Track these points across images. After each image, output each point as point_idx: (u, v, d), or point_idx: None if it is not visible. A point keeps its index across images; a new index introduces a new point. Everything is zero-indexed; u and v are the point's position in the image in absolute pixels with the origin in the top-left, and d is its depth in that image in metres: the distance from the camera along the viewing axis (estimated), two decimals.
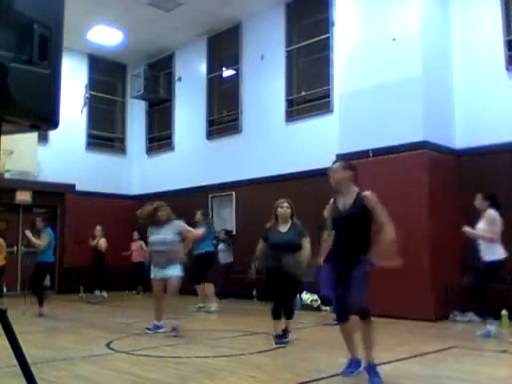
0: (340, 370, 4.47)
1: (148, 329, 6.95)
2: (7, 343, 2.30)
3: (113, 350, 5.83)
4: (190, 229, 9.19)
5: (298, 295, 9.79)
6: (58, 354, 5.54)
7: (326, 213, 4.61)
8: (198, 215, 9.80)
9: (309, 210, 10.24)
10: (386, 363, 4.90)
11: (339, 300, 4.43)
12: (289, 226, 6.12)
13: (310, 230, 9.15)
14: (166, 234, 6.89)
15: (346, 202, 4.37)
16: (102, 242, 11.47)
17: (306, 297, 9.62)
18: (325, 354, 5.51)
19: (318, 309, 9.34)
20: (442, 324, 7.78)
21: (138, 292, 13.12)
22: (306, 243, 6.08)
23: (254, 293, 11.05)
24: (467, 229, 6.74)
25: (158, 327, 6.96)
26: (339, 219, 4.41)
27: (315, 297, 9.50)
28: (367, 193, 4.35)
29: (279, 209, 6.13)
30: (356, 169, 4.68)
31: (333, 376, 4.47)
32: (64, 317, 8.40)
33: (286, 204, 6.16)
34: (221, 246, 11.05)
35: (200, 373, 4.72)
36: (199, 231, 9.40)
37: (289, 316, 6.24)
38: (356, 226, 4.28)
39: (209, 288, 9.52)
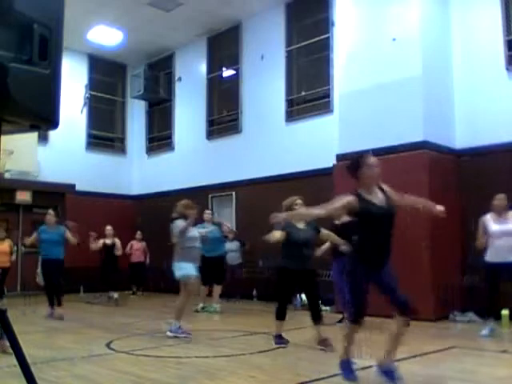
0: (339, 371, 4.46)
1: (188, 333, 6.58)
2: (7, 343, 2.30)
3: (113, 349, 5.83)
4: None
5: (298, 295, 9.82)
6: (57, 354, 5.54)
7: (345, 207, 4.25)
8: (209, 214, 9.66)
9: None
10: None
11: (365, 299, 4.29)
12: (304, 222, 5.99)
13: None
14: (195, 232, 6.86)
15: (379, 197, 4.22)
16: (119, 244, 11.24)
17: None
18: (325, 354, 5.51)
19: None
20: (442, 324, 7.78)
21: (134, 292, 12.87)
22: (326, 231, 6.21)
23: (254, 293, 11.05)
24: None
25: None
26: (379, 215, 4.16)
27: None
28: (386, 187, 4.32)
29: (295, 207, 5.98)
30: None
31: (333, 376, 4.47)
32: (64, 317, 8.37)
33: (300, 201, 6.06)
34: (229, 245, 10.76)
35: (200, 373, 4.72)
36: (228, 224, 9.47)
37: (318, 318, 5.88)
38: (394, 223, 4.20)
39: (218, 288, 9.49)
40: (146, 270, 12.78)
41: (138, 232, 12.85)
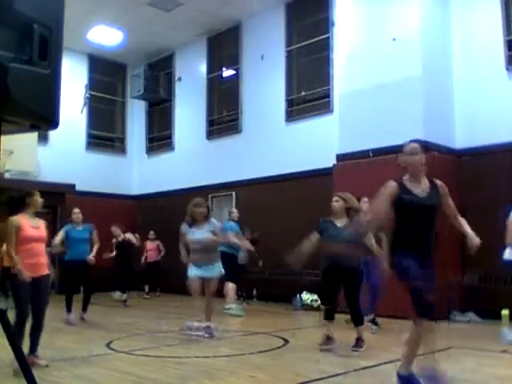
0: (341, 370, 4.46)
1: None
2: (7, 343, 2.30)
3: (113, 349, 5.83)
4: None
5: (298, 295, 9.83)
6: (58, 354, 5.53)
7: (386, 197, 3.96)
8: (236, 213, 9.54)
9: (309, 210, 10.25)
10: (386, 363, 4.91)
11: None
12: (345, 221, 5.63)
13: (309, 229, 9.10)
14: (197, 234, 6.66)
15: (423, 189, 4.01)
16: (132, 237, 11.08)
17: (306, 297, 9.63)
18: (325, 354, 5.51)
19: (318, 309, 9.34)
20: (442, 324, 7.77)
21: (147, 294, 12.31)
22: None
23: (254, 293, 11.06)
24: None
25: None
26: (418, 206, 3.96)
27: (315, 297, 9.51)
28: (442, 184, 4.12)
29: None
30: None
31: (333, 376, 4.47)
32: (64, 317, 8.36)
33: (335, 197, 5.77)
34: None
35: (200, 373, 4.72)
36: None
37: (359, 321, 5.66)
38: (435, 216, 4.05)
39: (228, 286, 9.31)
40: (160, 270, 12.36)
41: (151, 232, 12.55)
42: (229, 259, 8.55)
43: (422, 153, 4.07)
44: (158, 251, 12.51)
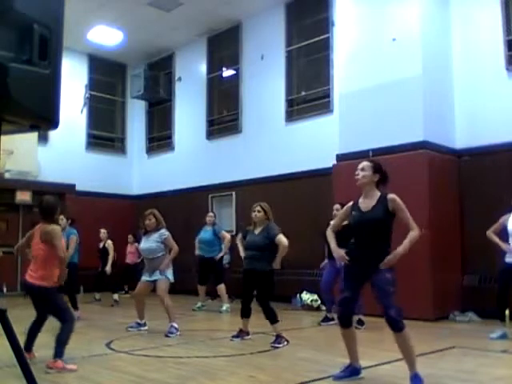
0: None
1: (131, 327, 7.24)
2: (7, 343, 2.30)
3: (113, 350, 5.84)
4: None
5: (298, 295, 9.83)
6: None
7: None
8: (211, 217, 9.90)
9: (309, 210, 10.26)
10: (386, 363, 4.91)
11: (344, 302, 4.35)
12: (261, 229, 6.24)
13: (309, 229, 9.16)
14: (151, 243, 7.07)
15: (368, 204, 4.26)
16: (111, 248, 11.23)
17: (306, 297, 9.62)
18: (325, 354, 5.51)
19: (318, 309, 9.34)
20: (442, 324, 7.78)
21: (127, 291, 12.55)
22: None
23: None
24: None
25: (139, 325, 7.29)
26: (355, 221, 4.30)
27: (315, 297, 9.50)
28: (393, 196, 4.20)
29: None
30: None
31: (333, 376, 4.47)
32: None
33: (258, 208, 6.30)
34: None
35: (200, 373, 4.72)
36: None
37: (272, 319, 6.29)
38: (370, 232, 4.15)
39: (219, 288, 9.53)
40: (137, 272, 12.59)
41: (130, 235, 12.71)
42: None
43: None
44: (138, 254, 12.53)
